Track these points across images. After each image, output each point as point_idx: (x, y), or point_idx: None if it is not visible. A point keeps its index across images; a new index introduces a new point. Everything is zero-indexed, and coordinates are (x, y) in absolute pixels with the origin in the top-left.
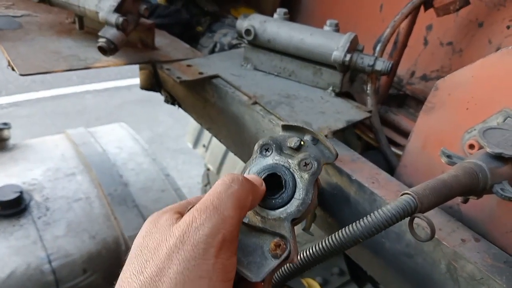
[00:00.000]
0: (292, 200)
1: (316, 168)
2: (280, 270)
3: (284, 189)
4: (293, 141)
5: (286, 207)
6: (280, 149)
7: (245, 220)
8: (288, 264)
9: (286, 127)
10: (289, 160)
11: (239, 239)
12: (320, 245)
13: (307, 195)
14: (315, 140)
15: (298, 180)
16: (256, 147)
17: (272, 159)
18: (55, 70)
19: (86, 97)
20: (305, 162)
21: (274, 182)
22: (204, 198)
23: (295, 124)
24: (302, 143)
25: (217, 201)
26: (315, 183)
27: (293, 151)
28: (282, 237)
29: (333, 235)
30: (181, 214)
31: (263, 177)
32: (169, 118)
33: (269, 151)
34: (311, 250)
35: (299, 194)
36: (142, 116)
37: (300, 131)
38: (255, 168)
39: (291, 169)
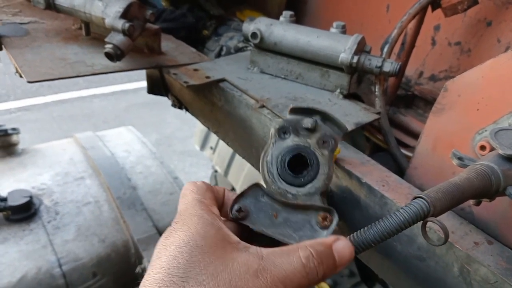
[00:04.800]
0: (318, 176)
1: (334, 144)
2: None
3: (310, 167)
4: (309, 122)
5: (313, 182)
6: (296, 130)
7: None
8: None
9: (294, 110)
10: (308, 140)
11: (287, 218)
12: None
13: (330, 169)
14: (324, 119)
15: (319, 157)
16: (273, 131)
17: (291, 140)
18: (62, 77)
19: (94, 100)
20: (323, 140)
21: (295, 162)
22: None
23: (303, 107)
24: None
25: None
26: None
27: (309, 131)
28: (326, 210)
29: None
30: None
31: (288, 159)
32: (176, 120)
33: (287, 134)
34: None
35: (323, 169)
36: (149, 119)
37: (308, 112)
38: (277, 151)
39: (311, 148)
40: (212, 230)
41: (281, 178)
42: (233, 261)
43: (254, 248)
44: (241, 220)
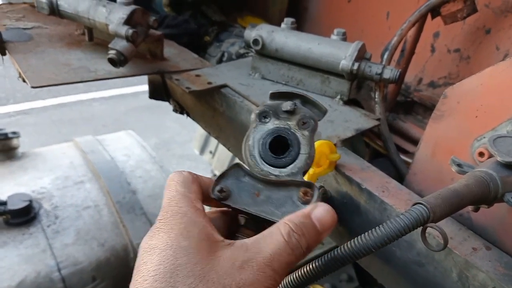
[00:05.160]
0: (299, 156)
1: (314, 125)
2: (290, 280)
3: (291, 148)
4: (288, 105)
5: (295, 163)
6: (276, 114)
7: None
8: (298, 274)
9: (274, 95)
10: (288, 122)
11: (269, 196)
12: (332, 255)
13: (311, 149)
14: (304, 102)
15: (300, 138)
16: (253, 116)
17: (272, 124)
18: (65, 82)
19: (93, 104)
20: (303, 121)
21: (276, 144)
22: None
23: (283, 91)
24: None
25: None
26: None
27: (289, 114)
28: (307, 185)
29: (344, 245)
30: (201, 209)
31: (269, 141)
32: (175, 124)
33: (267, 118)
34: (322, 260)
35: (305, 149)
36: (149, 123)
37: (288, 96)
38: (259, 135)
39: (292, 130)
40: (196, 229)
41: (264, 161)
42: (219, 259)
43: (238, 242)
44: (223, 200)
